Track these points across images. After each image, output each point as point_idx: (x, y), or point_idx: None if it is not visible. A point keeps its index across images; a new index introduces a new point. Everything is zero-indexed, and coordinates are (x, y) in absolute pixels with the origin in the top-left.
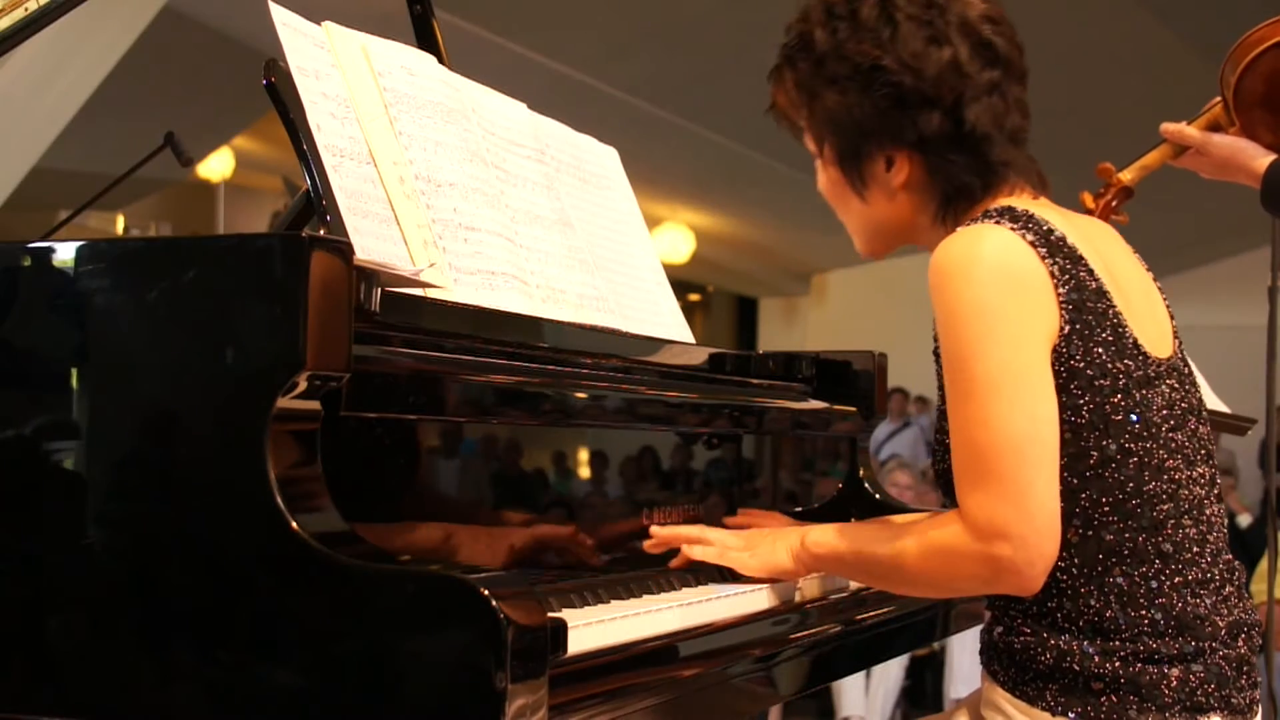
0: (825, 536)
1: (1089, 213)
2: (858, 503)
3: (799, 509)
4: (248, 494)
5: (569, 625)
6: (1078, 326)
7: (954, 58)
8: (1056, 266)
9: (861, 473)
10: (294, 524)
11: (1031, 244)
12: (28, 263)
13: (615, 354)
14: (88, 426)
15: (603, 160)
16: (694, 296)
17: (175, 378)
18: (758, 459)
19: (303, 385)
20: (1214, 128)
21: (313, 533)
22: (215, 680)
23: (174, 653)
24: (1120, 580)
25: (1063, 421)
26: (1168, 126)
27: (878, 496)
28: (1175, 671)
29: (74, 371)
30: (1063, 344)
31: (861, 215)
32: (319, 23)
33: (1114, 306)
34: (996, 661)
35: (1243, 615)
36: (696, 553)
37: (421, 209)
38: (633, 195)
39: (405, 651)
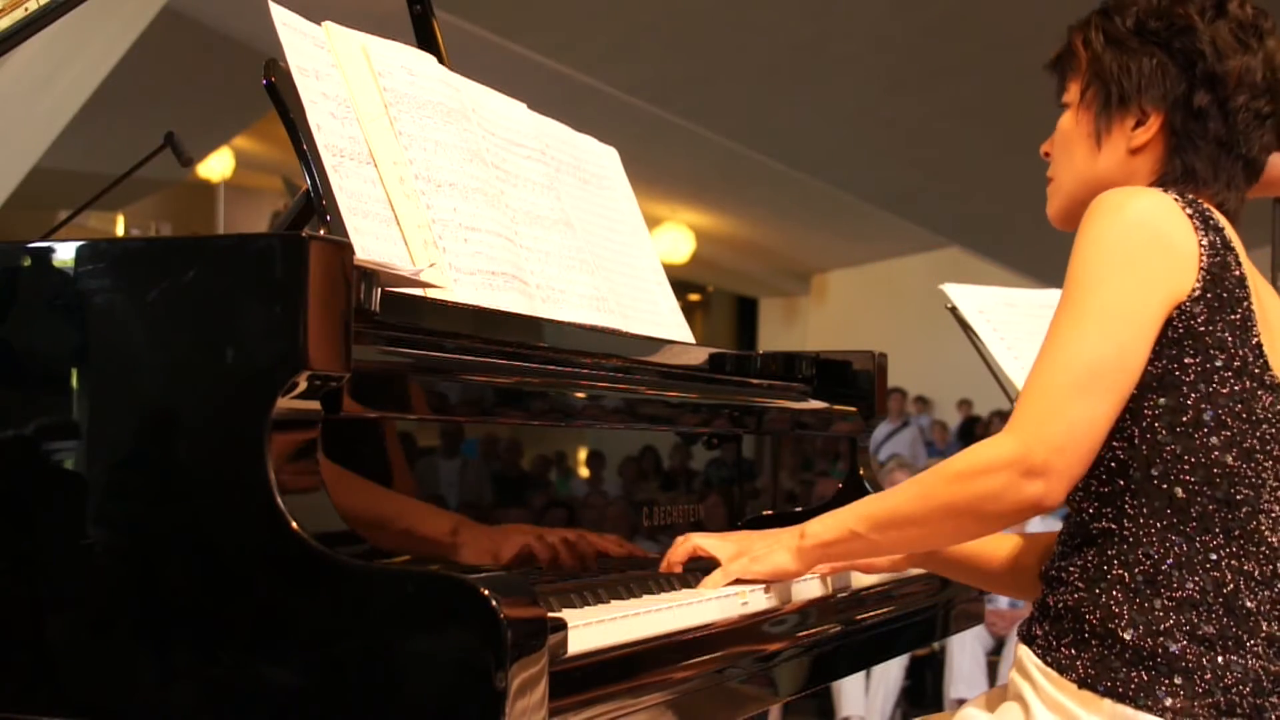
0: (825, 522)
1: None
2: None
3: (799, 509)
4: (248, 494)
5: (569, 625)
6: (1209, 296)
7: (1250, 67)
8: (1207, 240)
9: (861, 472)
10: (294, 524)
11: (1189, 216)
12: (28, 263)
13: (615, 354)
14: (88, 426)
15: (603, 160)
16: (694, 296)
17: (175, 378)
18: (758, 459)
19: (303, 385)
20: None
21: (313, 533)
22: (215, 680)
23: (174, 653)
24: (1181, 541)
25: (1166, 374)
26: None
27: None
28: (1211, 660)
29: (74, 371)
30: (1189, 304)
31: (1082, 168)
32: (319, 23)
33: (1249, 303)
34: (1038, 624)
35: None
36: (708, 585)
37: (421, 209)
38: (633, 195)
39: (405, 651)
